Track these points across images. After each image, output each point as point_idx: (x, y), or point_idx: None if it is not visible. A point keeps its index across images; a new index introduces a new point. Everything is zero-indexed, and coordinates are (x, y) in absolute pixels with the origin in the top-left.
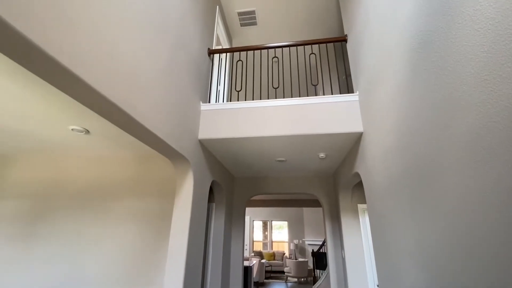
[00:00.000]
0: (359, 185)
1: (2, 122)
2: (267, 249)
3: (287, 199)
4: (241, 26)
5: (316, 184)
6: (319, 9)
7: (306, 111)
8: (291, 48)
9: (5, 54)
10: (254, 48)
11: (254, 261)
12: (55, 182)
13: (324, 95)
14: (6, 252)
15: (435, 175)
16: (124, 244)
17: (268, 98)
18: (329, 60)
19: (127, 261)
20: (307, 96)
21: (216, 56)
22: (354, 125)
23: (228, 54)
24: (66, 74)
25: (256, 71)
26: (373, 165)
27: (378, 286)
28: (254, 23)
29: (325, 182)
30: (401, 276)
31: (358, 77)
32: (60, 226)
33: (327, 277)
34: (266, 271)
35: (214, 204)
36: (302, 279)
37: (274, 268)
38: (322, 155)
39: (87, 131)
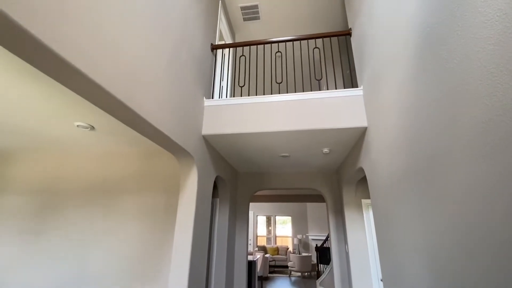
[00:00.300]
0: (363, 180)
1: (9, 119)
2: (271, 244)
3: (290, 195)
4: (244, 20)
5: (320, 179)
6: (322, 2)
7: (309, 106)
8: (294, 42)
9: (11, 51)
10: (257, 43)
11: (258, 256)
12: (61, 178)
13: (328, 89)
14: (14, 247)
15: (441, 170)
16: (130, 239)
17: (271, 93)
18: (333, 54)
19: (133, 256)
20: (311, 91)
21: (219, 51)
22: (358, 120)
23: (231, 49)
24: (71, 70)
25: (260, 66)
26: (377, 160)
27: (381, 280)
28: (257, 18)
29: (329, 177)
30: (405, 271)
31: (362, 71)
32: (67, 221)
33: (331, 271)
34: (270, 266)
35: (218, 200)
36: (306, 274)
37: (278, 263)
38: (326, 150)
39: (92, 127)
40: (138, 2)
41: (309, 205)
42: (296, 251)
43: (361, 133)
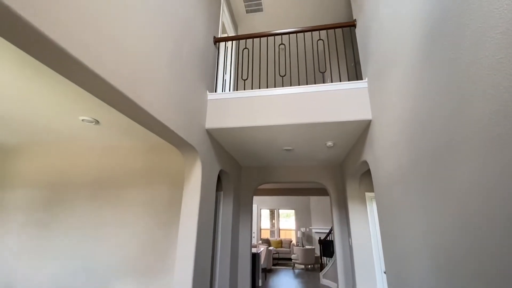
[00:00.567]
0: (367, 174)
1: (14, 114)
2: (274, 237)
3: (294, 188)
4: (246, 13)
5: (323, 172)
6: None
7: (313, 99)
8: (298, 34)
9: (13, 43)
10: (260, 35)
11: (262, 248)
12: (67, 172)
13: (332, 82)
14: (22, 239)
15: (446, 163)
16: (135, 231)
17: (275, 87)
18: (337, 46)
19: (139, 248)
20: (315, 83)
21: (222, 44)
22: (362, 113)
23: (234, 42)
24: (73, 62)
25: (263, 59)
26: (381, 154)
27: (385, 272)
28: (260, 10)
29: (333, 170)
30: (408, 263)
31: (367, 63)
32: (73, 214)
33: (334, 264)
34: (274, 258)
35: (222, 193)
36: (309, 266)
37: (281, 255)
38: (329, 143)
39: (97, 122)
40: None
41: (313, 199)
42: (299, 244)
43: (366, 126)
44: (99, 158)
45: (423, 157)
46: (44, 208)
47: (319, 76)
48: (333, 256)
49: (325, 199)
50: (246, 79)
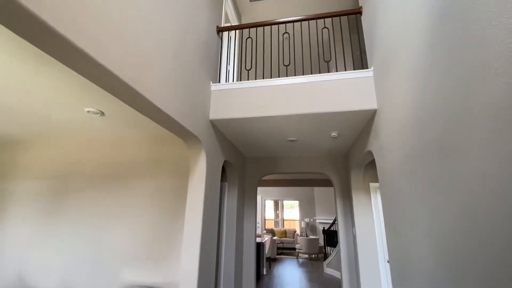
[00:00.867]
0: (371, 164)
1: (21, 105)
2: (278, 227)
3: (298, 179)
4: (250, 1)
5: (327, 163)
6: None
7: (318, 89)
8: (302, 22)
9: (18, 34)
10: (264, 24)
11: (266, 238)
12: (75, 163)
13: (337, 71)
14: (33, 229)
15: (453, 154)
16: (142, 221)
17: (279, 76)
18: (342, 34)
19: (146, 237)
20: (319, 73)
21: (225, 34)
22: (368, 102)
23: (237, 31)
24: (77, 52)
25: (267, 48)
26: (386, 143)
27: (388, 261)
28: None
29: (337, 161)
30: (411, 253)
31: (373, 51)
32: (82, 204)
33: (338, 253)
34: (278, 248)
35: (226, 184)
36: (313, 256)
37: (285, 245)
38: (334, 134)
39: (102, 113)
40: None
41: (317, 190)
42: (303, 234)
43: (371, 115)
44: (106, 150)
45: (430, 145)
46: (53, 199)
47: (324, 65)
48: (337, 246)
49: (329, 190)
50: (250, 69)
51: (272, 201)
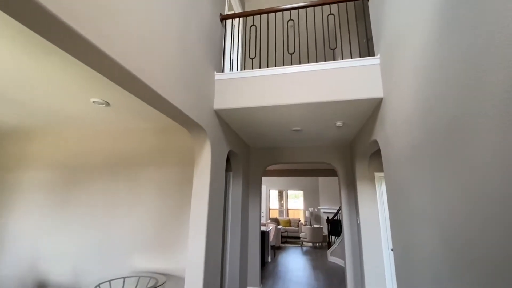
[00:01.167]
0: (376, 154)
1: (27, 97)
2: (283, 216)
3: (302, 169)
4: None
5: (332, 153)
6: None
7: (323, 77)
8: (307, 9)
9: (21, 22)
10: (268, 11)
11: (271, 227)
12: (82, 153)
13: (343, 59)
14: (43, 218)
15: (461, 139)
16: (149, 210)
17: (283, 65)
18: (349, 21)
19: (153, 225)
20: (325, 61)
21: (229, 22)
22: (374, 91)
23: (241, 19)
24: (82, 41)
25: (271, 36)
26: (392, 132)
27: (392, 250)
28: None
29: (342, 151)
30: (415, 241)
31: (380, 38)
32: (90, 194)
33: (342, 242)
34: (282, 236)
35: (231, 173)
36: (317, 244)
37: (290, 234)
38: (339, 123)
39: (107, 103)
40: None
41: (321, 179)
42: (307, 223)
43: (377, 104)
44: (112, 140)
45: (437, 133)
46: (63, 188)
47: (329, 53)
48: (341, 235)
49: (333, 180)
50: (254, 57)
51: (277, 191)
